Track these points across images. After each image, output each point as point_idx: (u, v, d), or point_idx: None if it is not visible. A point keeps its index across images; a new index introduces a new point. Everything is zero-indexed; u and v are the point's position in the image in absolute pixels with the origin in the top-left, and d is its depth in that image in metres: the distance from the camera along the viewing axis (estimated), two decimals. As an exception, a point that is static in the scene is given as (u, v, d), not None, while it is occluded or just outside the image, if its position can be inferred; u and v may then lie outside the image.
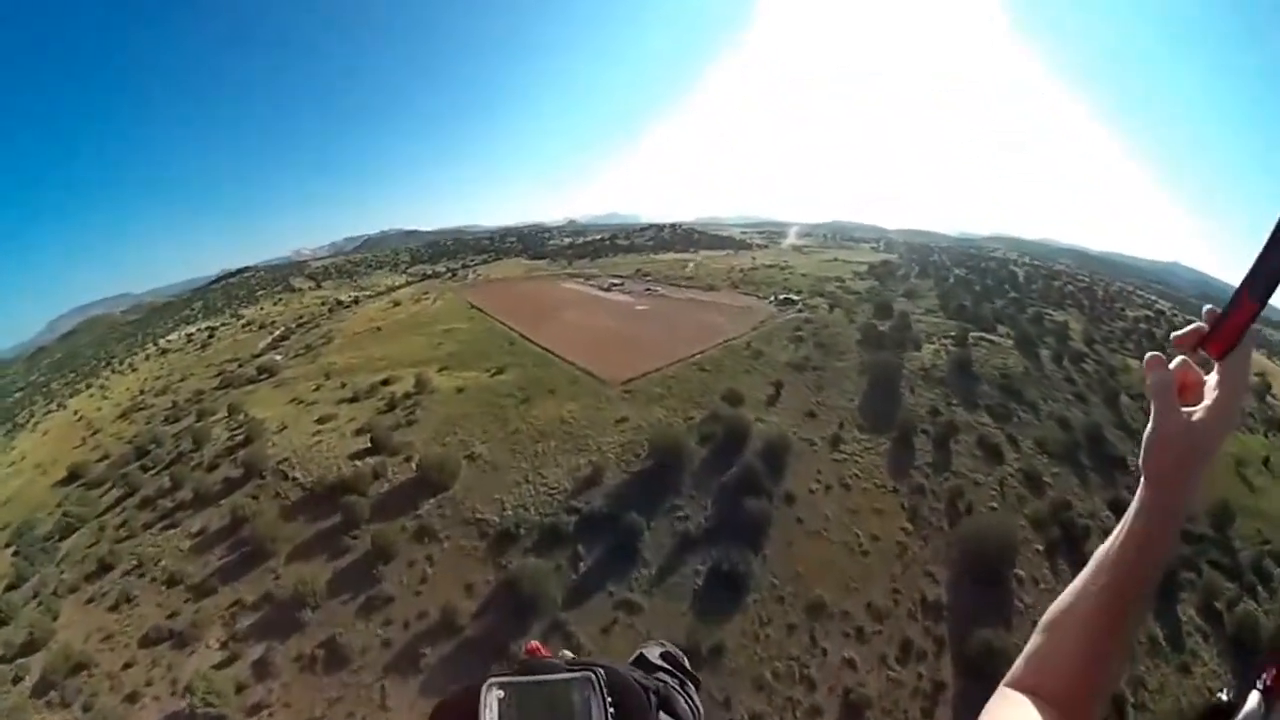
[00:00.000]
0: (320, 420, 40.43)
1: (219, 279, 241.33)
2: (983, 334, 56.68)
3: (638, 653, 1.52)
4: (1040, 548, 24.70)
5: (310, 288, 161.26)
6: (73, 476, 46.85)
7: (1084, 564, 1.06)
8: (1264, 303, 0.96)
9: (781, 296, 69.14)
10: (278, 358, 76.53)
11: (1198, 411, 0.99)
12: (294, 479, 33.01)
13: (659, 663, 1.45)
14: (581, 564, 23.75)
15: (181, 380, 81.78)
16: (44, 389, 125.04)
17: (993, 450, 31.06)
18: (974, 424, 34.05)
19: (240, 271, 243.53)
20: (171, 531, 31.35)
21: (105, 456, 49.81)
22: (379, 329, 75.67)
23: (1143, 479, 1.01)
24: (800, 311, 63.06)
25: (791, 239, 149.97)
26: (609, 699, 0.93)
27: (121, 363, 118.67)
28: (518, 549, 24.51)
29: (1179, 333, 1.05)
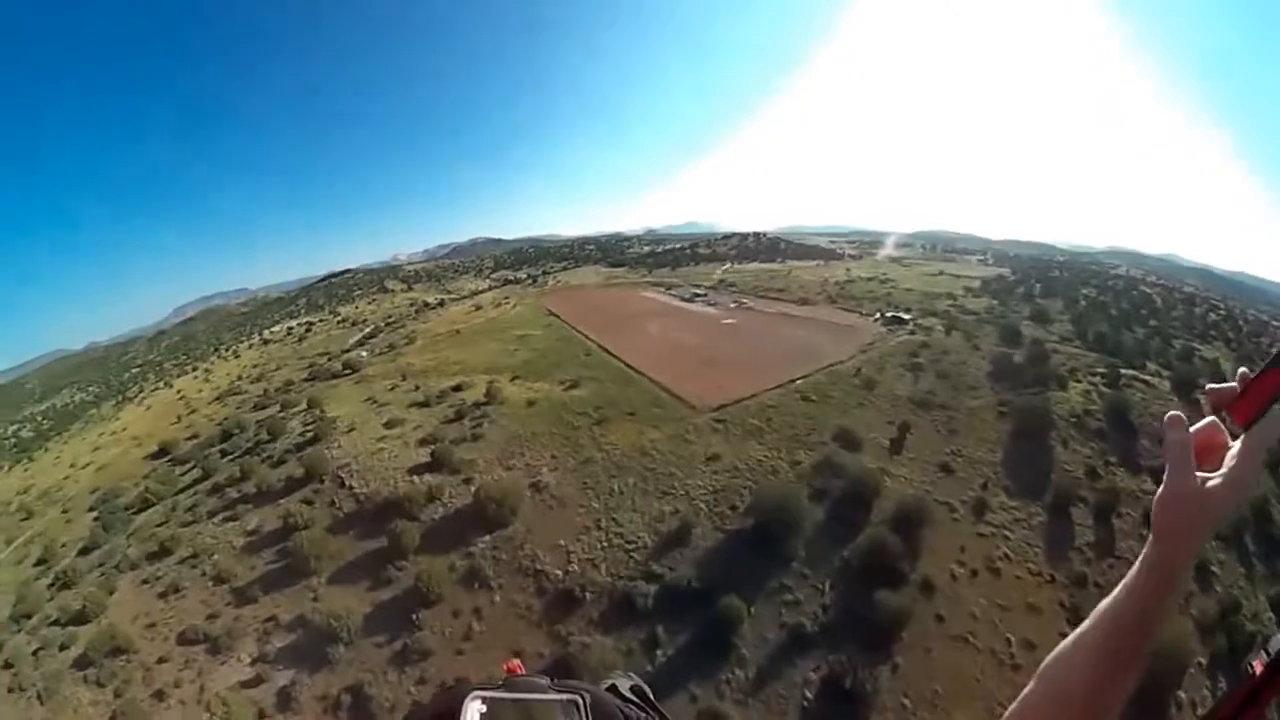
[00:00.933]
0: (388, 424, 38.23)
1: (324, 279, 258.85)
2: (1135, 373, 47.93)
3: (609, 683, 1.39)
4: (1203, 661, 19.78)
5: (402, 289, 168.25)
6: (162, 451, 49.86)
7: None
8: None
9: (889, 315, 61.23)
10: (363, 354, 77.89)
11: (1213, 478, 0.98)
12: (350, 488, 30.59)
13: (629, 695, 1.34)
14: (659, 652, 18.80)
15: (276, 369, 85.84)
16: (157, 367, 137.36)
17: (1160, 528, 24.43)
18: (1138, 492, 27.41)
19: (343, 273, 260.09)
20: (230, 525, 30.63)
21: (194, 435, 52.14)
22: (458, 332, 75.14)
23: (1151, 535, 1.01)
24: (912, 333, 55.21)
25: (889, 249, 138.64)
26: None
27: (228, 349, 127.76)
28: (580, 618, 20.01)
29: (1213, 386, 1.04)
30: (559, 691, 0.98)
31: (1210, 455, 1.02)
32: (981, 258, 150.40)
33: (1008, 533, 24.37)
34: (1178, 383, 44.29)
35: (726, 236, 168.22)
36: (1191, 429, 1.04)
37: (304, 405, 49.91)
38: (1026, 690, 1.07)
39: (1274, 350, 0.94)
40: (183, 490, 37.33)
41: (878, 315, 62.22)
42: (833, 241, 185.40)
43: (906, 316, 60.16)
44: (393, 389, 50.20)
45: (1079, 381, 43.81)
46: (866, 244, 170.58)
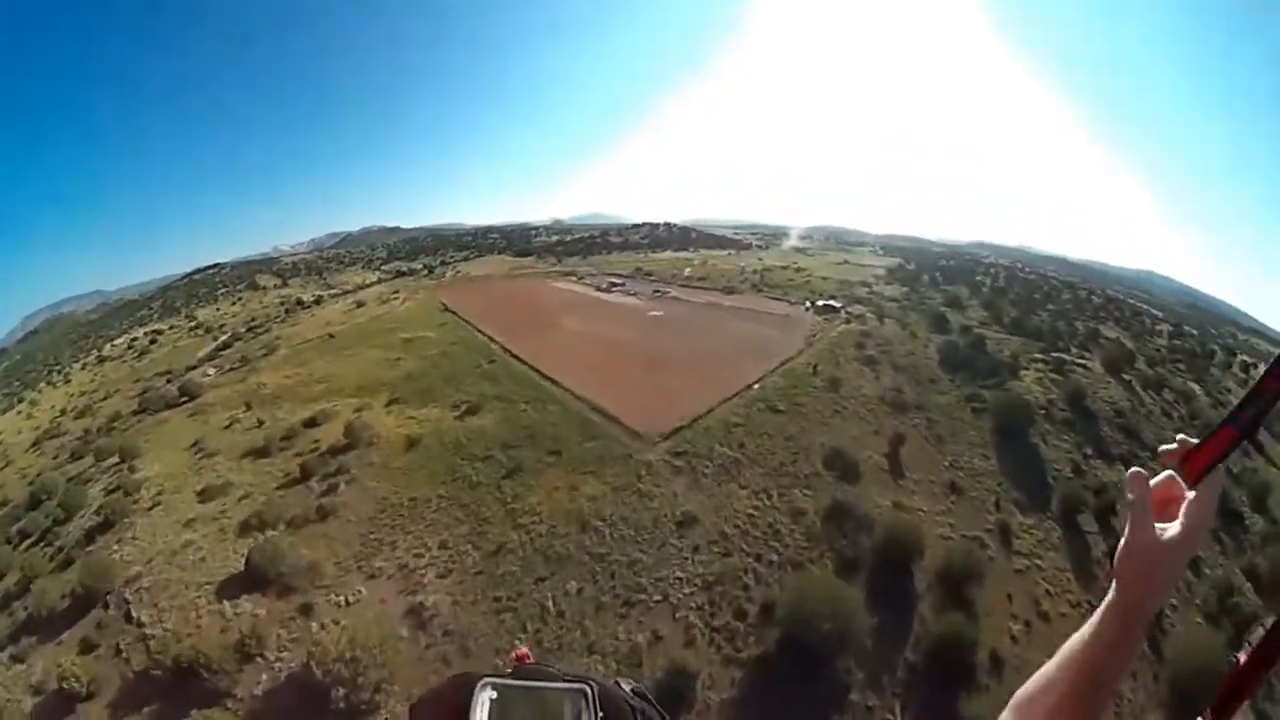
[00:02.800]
0: (204, 493, 25.90)
1: (188, 275, 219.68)
2: (1068, 357, 46.12)
3: (612, 681, 1.28)
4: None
5: (276, 285, 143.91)
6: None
7: None
8: (1245, 434, 1.01)
9: (820, 303, 55.63)
10: (210, 373, 61.22)
11: (1169, 529, 1.04)
12: (139, 623, 18.63)
13: (631, 694, 1.28)
14: None
15: (105, 399, 67.12)
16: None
17: (1151, 524, 21.55)
18: (1119, 484, 25.03)
19: (211, 268, 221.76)
20: (18, 667, 19.71)
21: (3, 504, 37.95)
22: (330, 336, 60.39)
23: (1114, 584, 1.07)
24: (848, 322, 49.94)
25: (793, 241, 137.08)
26: (600, 714, 0.91)
27: (60, 373, 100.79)
28: None
29: (1165, 447, 1.10)
30: (568, 681, 0.94)
31: (1170, 507, 1.06)
32: (872, 249, 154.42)
33: (1039, 561, 20.89)
34: (1106, 363, 44.12)
35: (637, 226, 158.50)
36: (1151, 483, 1.08)
37: (118, 456, 36.75)
38: None
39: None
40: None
41: (808, 304, 56.49)
42: (736, 233, 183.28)
43: (837, 304, 54.97)
44: (229, 425, 36.94)
45: (1026, 369, 41.60)
46: (768, 235, 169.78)
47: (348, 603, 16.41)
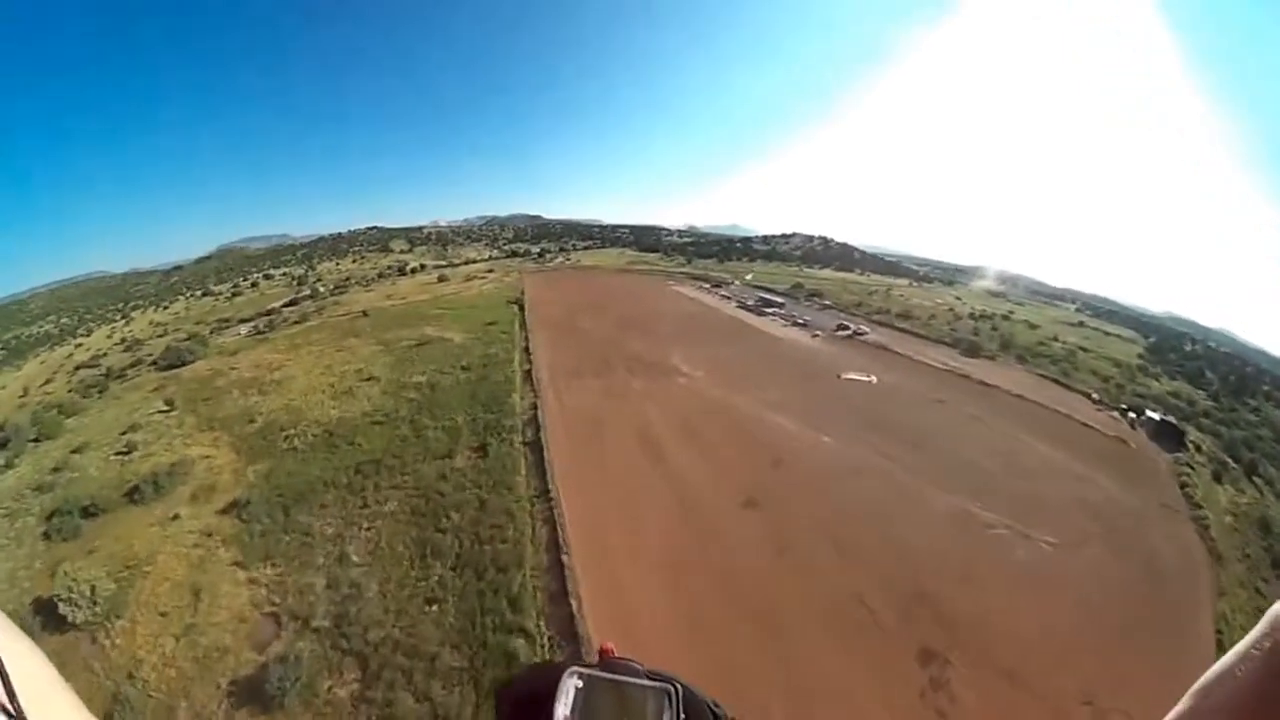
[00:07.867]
0: None
1: (335, 235, 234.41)
2: None
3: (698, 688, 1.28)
4: None
5: (402, 250, 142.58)
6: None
7: None
8: None
9: (1156, 417, 30.33)
10: (240, 333, 50.62)
11: None
12: None
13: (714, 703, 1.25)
14: None
15: (161, 337, 60.59)
16: (122, 309, 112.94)
17: None
18: None
19: (369, 229, 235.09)
20: None
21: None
22: (365, 314, 46.80)
23: None
24: (1218, 479, 24.43)
25: (988, 283, 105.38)
26: (683, 715, 0.92)
27: (166, 299, 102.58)
28: None
29: None
30: (653, 679, 0.95)
31: None
32: (1077, 306, 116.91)
33: None
34: None
35: (786, 236, 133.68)
36: None
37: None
38: (1177, 712, 0.88)
39: None
40: None
41: (1132, 413, 30.79)
42: (892, 261, 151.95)
43: (1184, 427, 29.25)
44: (126, 431, 23.22)
45: None
46: (937, 270, 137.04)
47: None
